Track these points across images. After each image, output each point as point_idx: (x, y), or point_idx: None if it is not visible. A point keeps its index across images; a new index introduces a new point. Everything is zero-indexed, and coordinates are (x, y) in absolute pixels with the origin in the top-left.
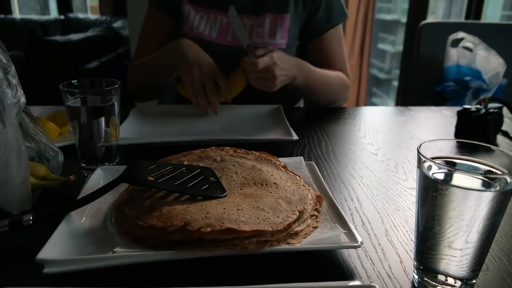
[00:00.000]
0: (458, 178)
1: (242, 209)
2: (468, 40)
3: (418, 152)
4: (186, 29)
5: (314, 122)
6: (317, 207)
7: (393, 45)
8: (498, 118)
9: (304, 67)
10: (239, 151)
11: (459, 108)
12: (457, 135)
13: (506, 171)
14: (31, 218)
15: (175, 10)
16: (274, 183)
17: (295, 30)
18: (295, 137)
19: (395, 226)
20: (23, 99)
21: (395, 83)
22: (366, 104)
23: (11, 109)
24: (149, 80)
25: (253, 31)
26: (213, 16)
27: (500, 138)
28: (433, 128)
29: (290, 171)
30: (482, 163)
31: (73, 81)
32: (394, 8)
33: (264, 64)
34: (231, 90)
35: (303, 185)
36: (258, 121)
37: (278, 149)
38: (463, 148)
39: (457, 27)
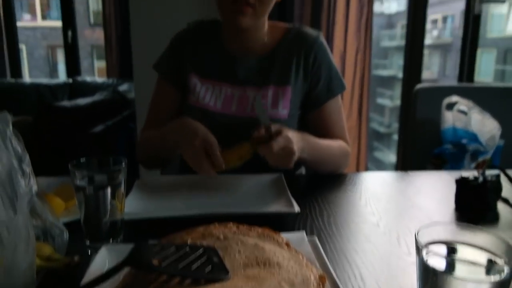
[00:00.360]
0: (457, 267)
1: None
2: (462, 103)
3: (416, 240)
4: (192, 100)
5: (315, 190)
6: None
7: (391, 99)
8: (496, 185)
9: (309, 140)
10: (242, 227)
11: (457, 174)
12: (457, 204)
13: (506, 258)
14: None
15: (183, 82)
16: (277, 263)
17: (296, 101)
18: (296, 209)
19: None
20: (35, 187)
21: (396, 137)
22: (367, 161)
23: (23, 198)
24: (157, 154)
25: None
26: (218, 87)
27: (501, 206)
28: (434, 195)
29: (292, 249)
30: (481, 248)
31: (81, 159)
32: (390, 64)
33: (279, 146)
34: (236, 161)
35: (306, 265)
36: (260, 192)
37: (281, 221)
38: (463, 228)
39: (451, 90)
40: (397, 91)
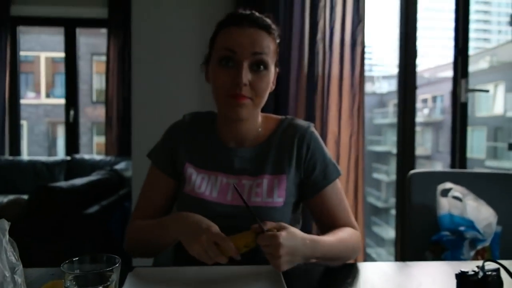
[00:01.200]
0: None
1: None
2: (457, 190)
3: None
4: (188, 190)
5: (312, 283)
6: None
7: (387, 174)
8: (497, 280)
9: (317, 244)
10: None
11: (457, 265)
12: None
13: None
14: None
15: (177, 172)
16: None
17: (292, 188)
18: None
19: None
20: None
21: (394, 211)
22: (364, 245)
23: None
24: (151, 245)
25: (252, 191)
26: (214, 176)
27: None
28: None
29: None
30: None
31: (74, 259)
32: (384, 141)
33: (264, 243)
34: (242, 249)
35: None
36: (256, 286)
37: None
38: None
39: (444, 176)
40: (393, 166)
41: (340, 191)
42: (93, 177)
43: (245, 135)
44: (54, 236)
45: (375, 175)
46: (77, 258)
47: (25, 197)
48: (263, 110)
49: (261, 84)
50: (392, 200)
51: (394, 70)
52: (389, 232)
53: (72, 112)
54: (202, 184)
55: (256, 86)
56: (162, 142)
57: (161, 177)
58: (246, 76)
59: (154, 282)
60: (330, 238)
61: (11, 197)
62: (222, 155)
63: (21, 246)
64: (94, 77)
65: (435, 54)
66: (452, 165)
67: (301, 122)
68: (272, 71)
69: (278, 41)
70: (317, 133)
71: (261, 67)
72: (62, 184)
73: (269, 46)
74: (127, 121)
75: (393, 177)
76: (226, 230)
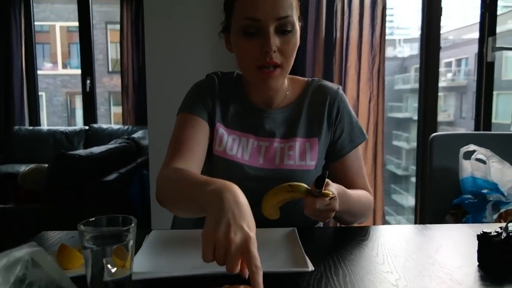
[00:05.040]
0: None
1: None
2: (480, 152)
3: None
4: (219, 151)
5: (329, 245)
6: None
7: (408, 141)
8: None
9: (344, 192)
10: None
11: (479, 227)
12: (480, 261)
13: None
14: None
15: (212, 125)
16: None
17: (322, 152)
18: (310, 268)
19: None
20: None
21: (414, 179)
22: (383, 210)
23: None
24: (183, 201)
25: (284, 153)
26: (245, 139)
27: None
28: (455, 250)
29: None
30: None
31: (90, 219)
32: (405, 107)
33: (322, 205)
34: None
35: None
36: (273, 247)
37: (294, 280)
38: None
39: (467, 138)
40: (413, 133)
41: (361, 156)
42: (111, 145)
43: (274, 97)
44: (74, 203)
45: (395, 143)
46: (93, 219)
47: (46, 165)
48: None
49: (289, 48)
50: (412, 168)
51: (417, 32)
52: (409, 200)
53: (88, 82)
54: (234, 146)
55: (285, 50)
56: (196, 95)
57: (197, 120)
58: (274, 42)
59: (172, 244)
60: (353, 192)
61: (32, 166)
62: (253, 117)
63: (43, 211)
64: (109, 46)
65: (460, 14)
66: (476, 129)
67: (330, 84)
68: (298, 29)
69: None
70: (345, 96)
71: (287, 29)
72: (81, 152)
73: (292, 4)
74: (143, 90)
75: (414, 144)
76: (257, 193)
